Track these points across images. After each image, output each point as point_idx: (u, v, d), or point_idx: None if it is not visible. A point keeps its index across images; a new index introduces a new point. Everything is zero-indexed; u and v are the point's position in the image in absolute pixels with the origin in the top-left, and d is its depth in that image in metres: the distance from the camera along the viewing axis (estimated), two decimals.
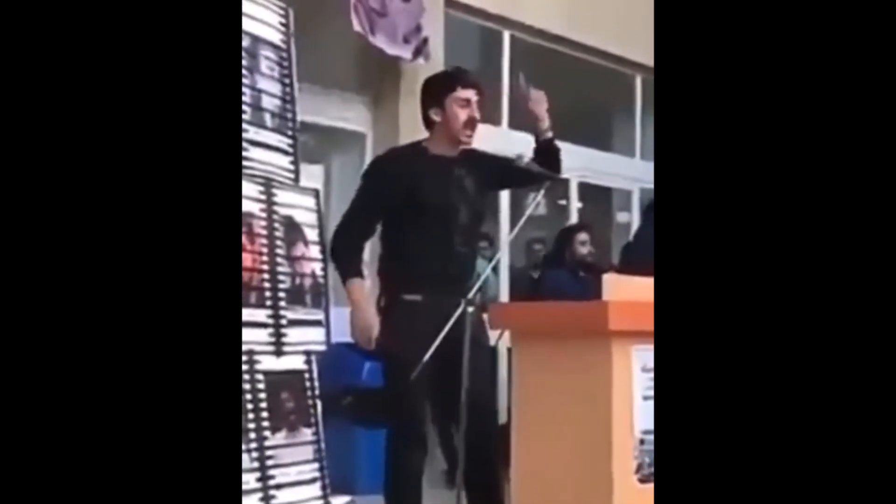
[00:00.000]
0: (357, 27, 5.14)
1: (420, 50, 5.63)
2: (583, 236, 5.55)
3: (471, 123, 3.23)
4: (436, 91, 3.29)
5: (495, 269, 5.28)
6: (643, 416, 2.32)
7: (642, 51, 6.90)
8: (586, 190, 6.78)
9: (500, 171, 3.24)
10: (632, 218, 7.19)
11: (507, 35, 6.45)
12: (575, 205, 6.77)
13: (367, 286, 3.21)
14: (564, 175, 3.56)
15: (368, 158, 5.89)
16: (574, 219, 6.75)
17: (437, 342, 2.84)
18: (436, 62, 5.85)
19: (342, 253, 3.23)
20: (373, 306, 3.16)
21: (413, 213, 3.18)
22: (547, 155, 3.26)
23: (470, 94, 3.26)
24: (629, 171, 7.08)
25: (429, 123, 3.30)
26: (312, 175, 2.83)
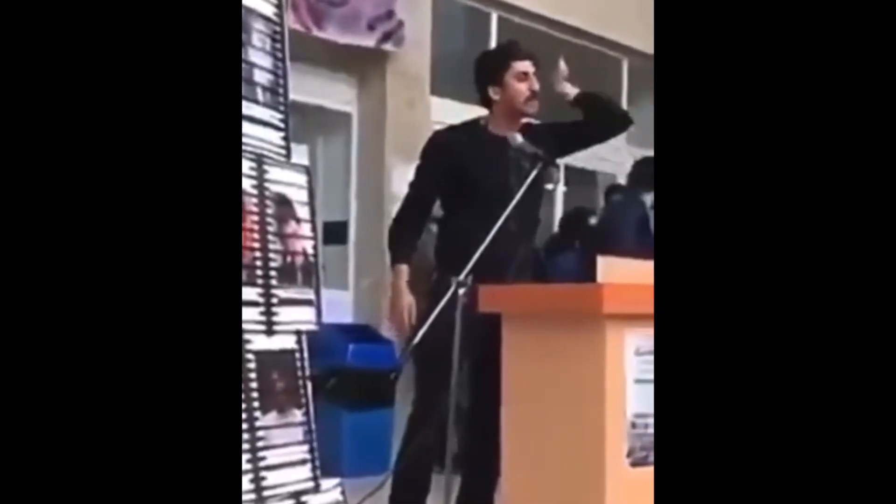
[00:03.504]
0: (294, 24, 4.76)
1: (389, 35, 5.55)
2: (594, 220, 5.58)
3: (533, 96, 3.17)
4: (492, 67, 3.21)
5: None
6: (635, 399, 2.31)
7: (630, 34, 6.88)
8: (571, 174, 6.76)
9: (559, 137, 3.19)
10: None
11: (494, 16, 6.41)
12: (560, 188, 6.75)
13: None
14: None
15: (354, 138, 5.86)
16: (559, 203, 6.75)
17: (428, 322, 2.80)
18: (423, 44, 5.81)
19: (398, 238, 3.19)
20: (410, 294, 3.11)
21: (469, 195, 3.11)
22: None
23: (527, 65, 3.19)
24: (615, 156, 7.06)
25: (487, 102, 3.22)
26: (297, 154, 2.80)
